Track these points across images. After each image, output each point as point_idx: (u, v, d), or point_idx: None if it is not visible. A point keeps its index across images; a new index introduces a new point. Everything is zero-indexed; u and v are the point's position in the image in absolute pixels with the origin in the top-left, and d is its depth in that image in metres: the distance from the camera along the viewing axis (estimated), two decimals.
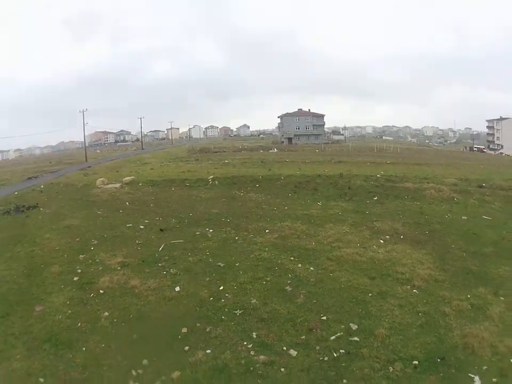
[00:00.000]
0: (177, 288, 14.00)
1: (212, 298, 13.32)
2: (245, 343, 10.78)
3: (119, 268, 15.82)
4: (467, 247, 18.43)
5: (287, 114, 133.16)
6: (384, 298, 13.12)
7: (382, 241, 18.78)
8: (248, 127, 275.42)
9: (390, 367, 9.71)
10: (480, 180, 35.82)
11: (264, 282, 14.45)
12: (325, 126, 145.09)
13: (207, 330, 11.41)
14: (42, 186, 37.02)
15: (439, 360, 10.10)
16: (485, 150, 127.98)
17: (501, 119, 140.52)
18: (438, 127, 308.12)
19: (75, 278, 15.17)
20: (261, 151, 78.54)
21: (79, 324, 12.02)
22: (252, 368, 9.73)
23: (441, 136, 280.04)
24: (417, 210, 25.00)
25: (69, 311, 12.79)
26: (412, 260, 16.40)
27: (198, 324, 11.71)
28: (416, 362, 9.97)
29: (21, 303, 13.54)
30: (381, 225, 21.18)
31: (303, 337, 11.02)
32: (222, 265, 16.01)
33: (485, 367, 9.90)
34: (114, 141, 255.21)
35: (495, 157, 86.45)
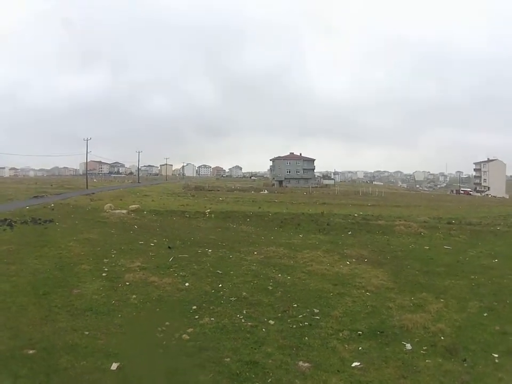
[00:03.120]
0: (187, 284, 18.02)
1: (213, 291, 17.35)
2: (238, 315, 14.77)
3: (138, 270, 19.70)
4: (421, 268, 22.24)
5: (279, 158, 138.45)
6: (341, 297, 17.15)
7: (348, 263, 22.82)
8: (241, 168, 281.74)
9: (340, 333, 13.61)
10: (452, 218, 40.53)
11: (252, 284, 18.58)
12: (317, 170, 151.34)
13: (210, 308, 15.38)
14: (52, 205, 41.28)
15: (379, 332, 13.78)
16: (471, 192, 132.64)
17: (488, 161, 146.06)
18: (429, 172, 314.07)
19: (103, 274, 18.90)
20: (252, 192, 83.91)
21: (112, 302, 15.65)
22: (242, 328, 13.70)
23: (431, 181, 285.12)
24: (384, 242, 29.30)
25: (103, 294, 16.40)
26: (370, 274, 20.41)
27: (204, 304, 15.69)
28: (360, 332, 13.76)
29: (58, 287, 16.83)
30: (349, 252, 25.29)
31: (279, 315, 15.04)
32: (220, 272, 20.13)
33: (416, 340, 13.29)
34: (108, 171, 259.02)
35: (478, 199, 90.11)
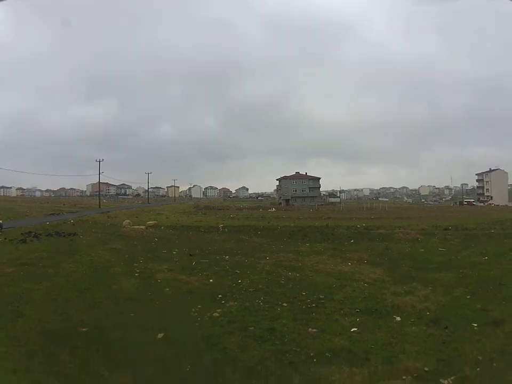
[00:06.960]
0: (211, 280, 20.94)
1: (234, 285, 20.27)
2: (257, 301, 17.59)
3: (167, 271, 22.56)
4: (415, 265, 24.92)
5: (285, 177, 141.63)
6: (343, 287, 19.96)
7: (349, 264, 25.63)
8: (247, 189, 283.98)
9: (341, 311, 16.31)
10: (450, 225, 43.13)
11: (266, 279, 21.49)
12: (323, 189, 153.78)
13: (233, 296, 18.25)
14: (72, 221, 44.13)
15: (374, 310, 16.40)
16: (474, 203, 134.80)
17: (490, 171, 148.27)
18: (434, 186, 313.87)
19: (136, 274, 21.76)
20: (261, 210, 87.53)
21: (149, 293, 18.40)
22: (261, 308, 16.53)
23: (436, 195, 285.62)
24: (383, 247, 32.12)
25: (140, 288, 19.18)
26: (368, 271, 23.19)
27: (227, 294, 18.54)
28: (358, 310, 16.43)
29: (97, 284, 19.44)
30: (351, 255, 28.07)
31: (291, 300, 17.85)
32: (238, 271, 23.13)
33: (405, 314, 15.71)
34: (115, 193, 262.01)
35: (481, 208, 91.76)
